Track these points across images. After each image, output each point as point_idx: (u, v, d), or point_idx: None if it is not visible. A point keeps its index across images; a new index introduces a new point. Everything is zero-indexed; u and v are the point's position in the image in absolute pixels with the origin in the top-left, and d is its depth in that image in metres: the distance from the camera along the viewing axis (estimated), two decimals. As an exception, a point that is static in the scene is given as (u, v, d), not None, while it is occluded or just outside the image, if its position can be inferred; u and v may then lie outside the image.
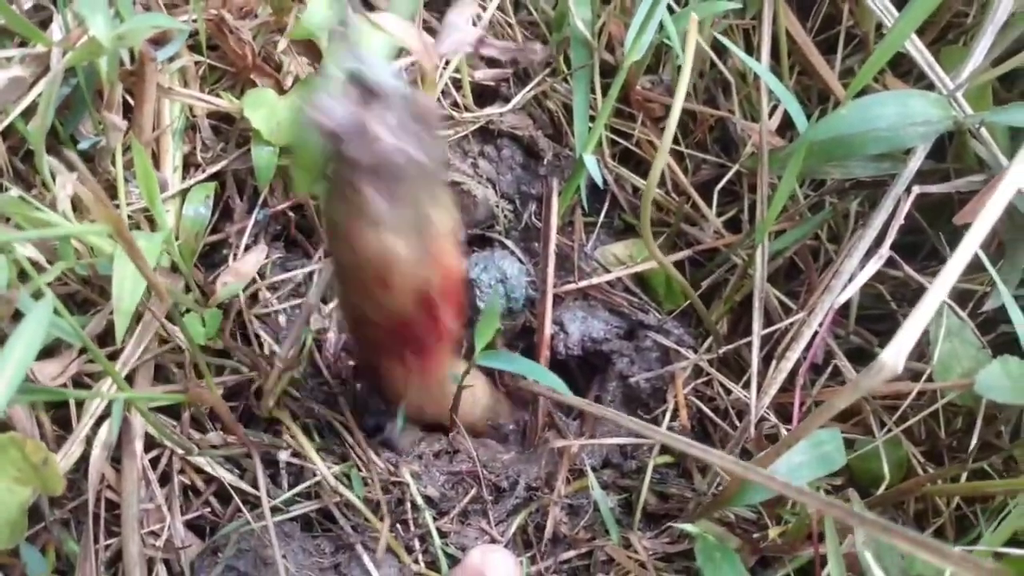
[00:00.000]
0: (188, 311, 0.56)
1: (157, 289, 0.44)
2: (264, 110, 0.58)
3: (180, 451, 0.55)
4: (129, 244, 0.41)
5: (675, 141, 0.76)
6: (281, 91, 0.60)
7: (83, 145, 0.51)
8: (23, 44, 0.55)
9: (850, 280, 0.61)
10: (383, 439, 0.65)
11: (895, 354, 0.37)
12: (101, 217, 0.40)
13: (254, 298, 0.66)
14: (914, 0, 0.60)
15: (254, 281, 0.65)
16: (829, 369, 0.70)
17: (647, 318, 0.74)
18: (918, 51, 0.66)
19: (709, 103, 0.80)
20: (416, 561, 0.59)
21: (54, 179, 0.49)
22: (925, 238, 0.75)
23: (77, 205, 0.55)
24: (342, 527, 0.58)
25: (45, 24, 0.56)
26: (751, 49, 0.78)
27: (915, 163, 0.60)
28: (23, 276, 0.48)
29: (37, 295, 0.45)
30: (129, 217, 0.56)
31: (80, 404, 0.53)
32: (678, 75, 0.73)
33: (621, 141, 0.80)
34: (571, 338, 0.74)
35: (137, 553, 0.52)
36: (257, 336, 0.65)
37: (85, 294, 0.54)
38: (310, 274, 0.67)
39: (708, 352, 0.73)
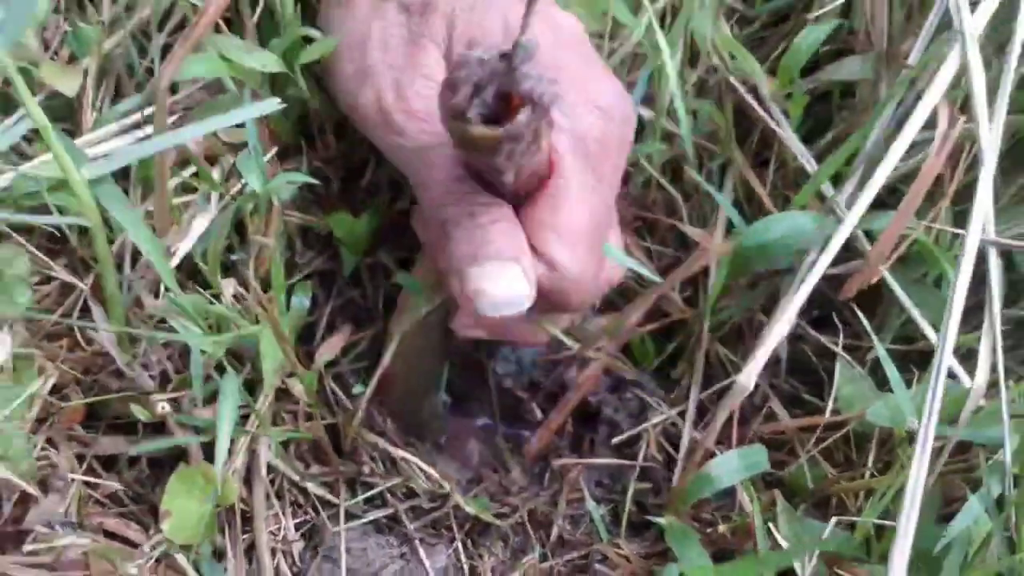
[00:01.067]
0: (292, 374, 0.79)
1: (291, 359, 0.67)
2: (345, 226, 0.83)
3: (292, 476, 0.77)
4: (278, 331, 0.65)
5: (642, 238, 1.00)
6: (356, 214, 0.85)
7: (233, 257, 0.74)
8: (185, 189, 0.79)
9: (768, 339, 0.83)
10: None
11: (746, 378, 0.60)
12: (261, 316, 0.63)
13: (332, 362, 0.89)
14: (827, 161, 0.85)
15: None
16: (765, 410, 0.93)
17: (628, 374, 0.97)
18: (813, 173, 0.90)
19: (669, 212, 1.04)
20: (456, 551, 0.80)
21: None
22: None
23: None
24: (406, 527, 0.79)
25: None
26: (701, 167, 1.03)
27: (812, 256, 0.83)
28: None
29: (219, 368, 0.69)
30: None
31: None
32: (642, 189, 0.97)
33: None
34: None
35: (265, 543, 0.73)
36: (333, 391, 0.87)
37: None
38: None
39: (675, 403, 0.95)
